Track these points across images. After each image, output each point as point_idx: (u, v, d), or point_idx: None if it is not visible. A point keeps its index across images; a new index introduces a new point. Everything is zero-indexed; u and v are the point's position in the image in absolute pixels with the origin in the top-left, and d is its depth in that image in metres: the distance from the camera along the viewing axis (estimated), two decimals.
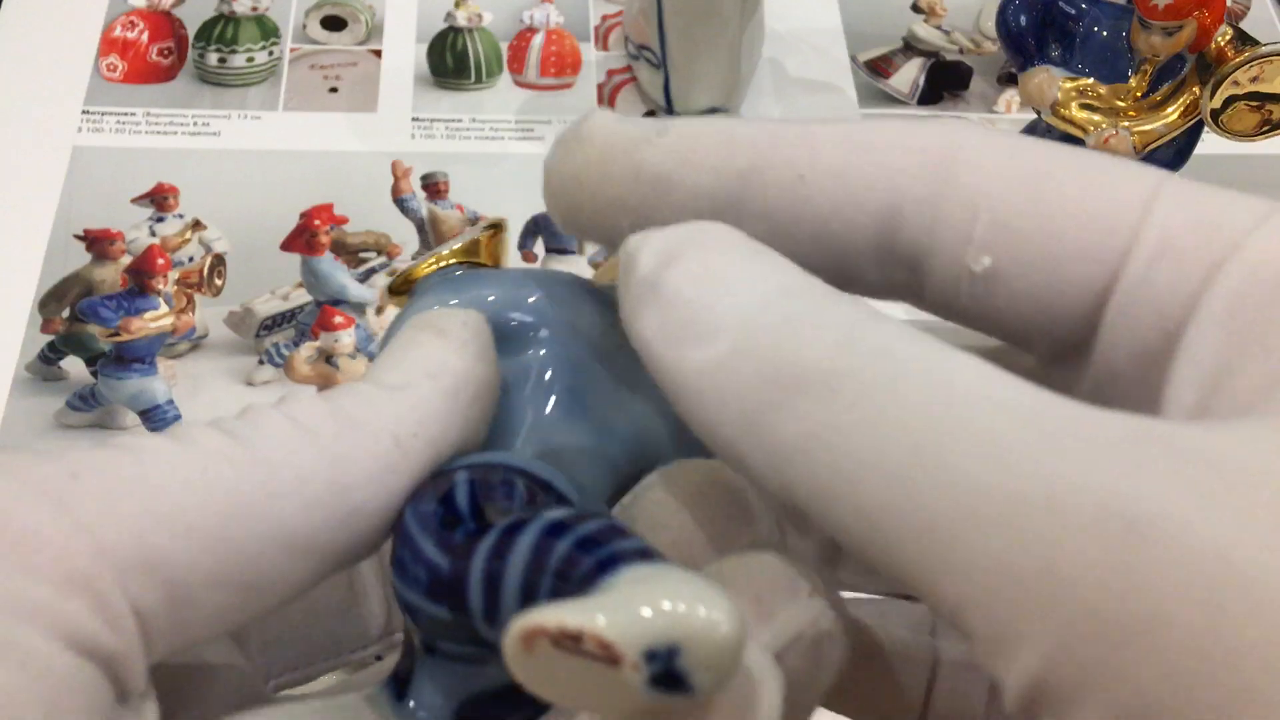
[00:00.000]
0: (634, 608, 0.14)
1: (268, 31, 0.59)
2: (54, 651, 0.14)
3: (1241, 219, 0.16)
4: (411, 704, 0.18)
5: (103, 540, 0.15)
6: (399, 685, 0.18)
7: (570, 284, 0.21)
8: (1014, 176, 0.18)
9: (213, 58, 0.58)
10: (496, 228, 0.22)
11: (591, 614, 0.13)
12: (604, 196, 0.19)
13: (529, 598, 0.16)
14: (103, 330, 0.49)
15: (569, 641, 0.13)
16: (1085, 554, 0.13)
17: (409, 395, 0.18)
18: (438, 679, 0.18)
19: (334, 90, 0.58)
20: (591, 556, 0.15)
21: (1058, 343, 0.18)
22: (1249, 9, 0.64)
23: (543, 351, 0.20)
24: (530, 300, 0.20)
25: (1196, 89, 0.41)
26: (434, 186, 0.54)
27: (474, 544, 0.16)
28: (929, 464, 0.14)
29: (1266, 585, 0.12)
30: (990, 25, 0.58)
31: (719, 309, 0.17)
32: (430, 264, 0.21)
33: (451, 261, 0.21)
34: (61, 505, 0.15)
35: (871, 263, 0.19)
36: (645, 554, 0.15)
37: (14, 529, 0.15)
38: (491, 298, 0.20)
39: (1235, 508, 0.13)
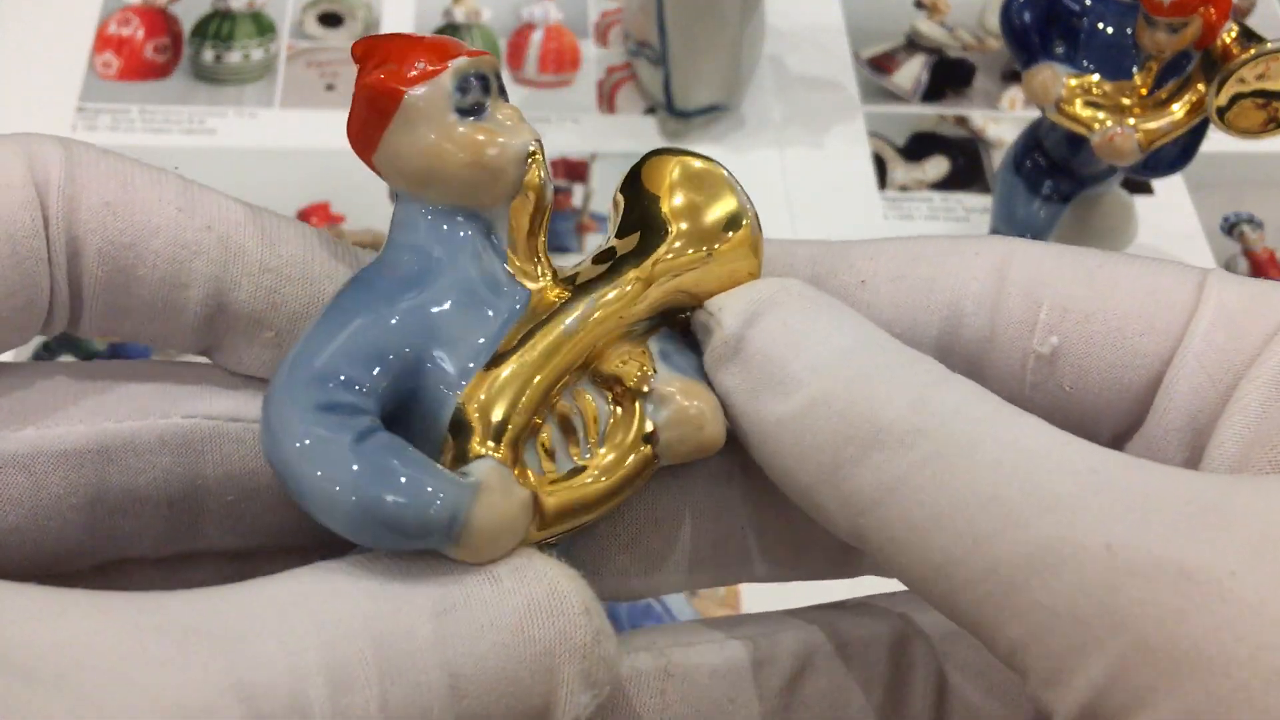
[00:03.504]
0: None
1: (264, 28, 0.59)
2: None
3: None
4: None
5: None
6: None
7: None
8: (1069, 269, 0.20)
9: (208, 54, 0.58)
10: None
11: None
12: None
13: None
14: None
15: None
16: (1141, 596, 0.14)
17: None
18: None
19: (331, 88, 0.57)
20: None
21: (1119, 421, 0.20)
22: (1255, 5, 0.63)
23: None
24: None
25: (1202, 86, 0.40)
26: None
27: None
28: (997, 518, 0.16)
29: None
30: (994, 21, 0.57)
31: (797, 364, 0.18)
32: None
33: None
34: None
35: None
36: None
37: None
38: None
39: (1276, 562, 0.14)
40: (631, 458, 0.20)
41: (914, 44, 0.61)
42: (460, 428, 0.18)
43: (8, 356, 0.20)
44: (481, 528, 0.17)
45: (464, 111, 0.19)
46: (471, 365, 0.18)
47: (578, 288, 0.19)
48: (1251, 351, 0.18)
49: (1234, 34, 0.39)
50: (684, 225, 0.20)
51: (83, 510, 0.19)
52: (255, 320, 0.19)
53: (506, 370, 0.18)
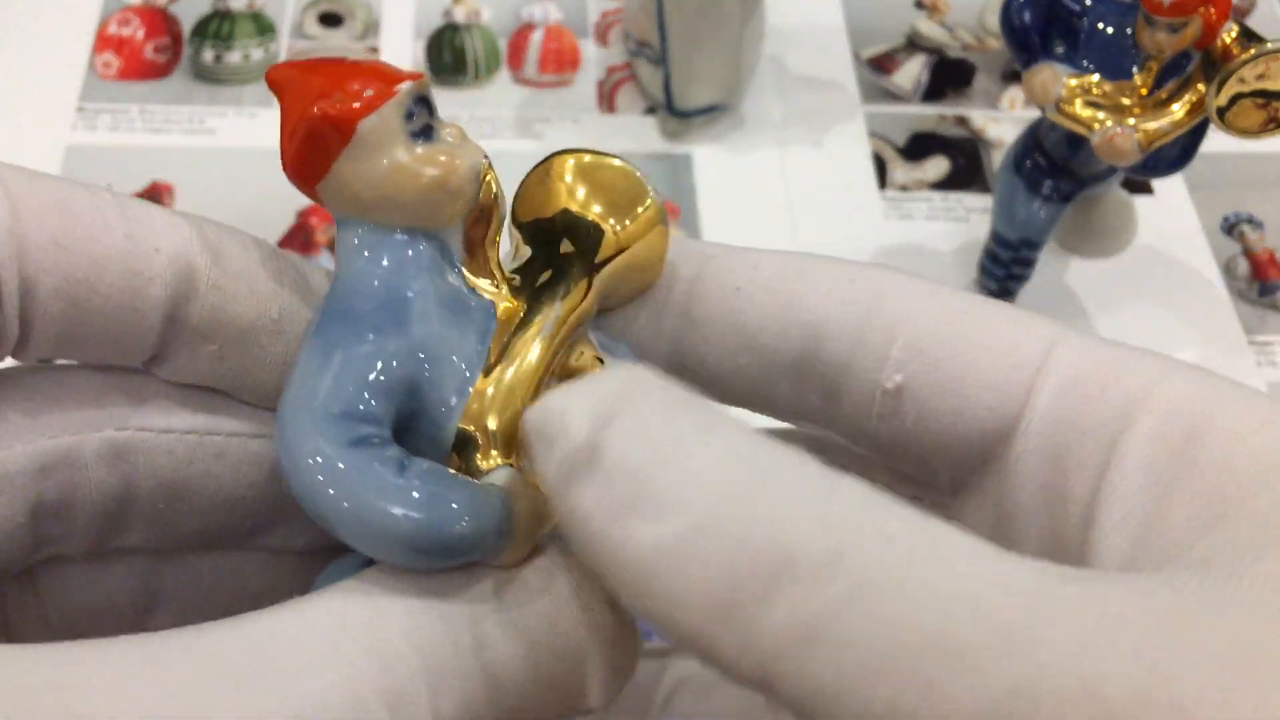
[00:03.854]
0: None
1: (264, 28, 0.59)
2: None
3: (1143, 371, 0.18)
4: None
5: None
6: None
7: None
8: (932, 310, 0.20)
9: (208, 54, 0.58)
10: None
11: None
12: None
13: None
14: None
15: None
16: None
17: None
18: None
19: None
20: None
21: (960, 468, 0.19)
22: (1255, 5, 0.63)
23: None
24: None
25: (1202, 86, 0.40)
26: None
27: None
28: (950, 658, 0.13)
29: None
30: (994, 21, 0.57)
31: (669, 478, 0.15)
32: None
33: None
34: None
35: (789, 380, 0.20)
36: None
37: None
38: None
39: (1259, 682, 0.13)
40: None
41: (914, 44, 0.61)
42: (465, 444, 0.19)
43: (7, 362, 0.20)
44: (521, 534, 0.18)
45: (414, 135, 0.18)
46: (465, 382, 0.19)
47: (534, 294, 0.20)
48: (1101, 424, 0.18)
49: (1234, 34, 0.39)
50: (600, 208, 0.20)
51: (21, 526, 0.19)
52: (200, 336, 0.19)
53: (497, 382, 0.19)
